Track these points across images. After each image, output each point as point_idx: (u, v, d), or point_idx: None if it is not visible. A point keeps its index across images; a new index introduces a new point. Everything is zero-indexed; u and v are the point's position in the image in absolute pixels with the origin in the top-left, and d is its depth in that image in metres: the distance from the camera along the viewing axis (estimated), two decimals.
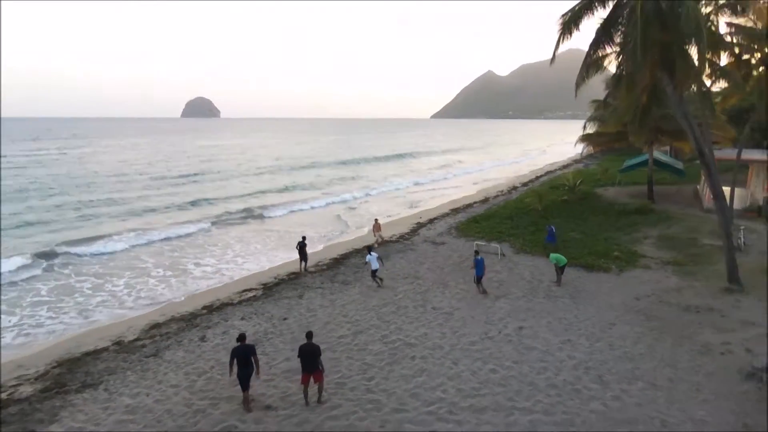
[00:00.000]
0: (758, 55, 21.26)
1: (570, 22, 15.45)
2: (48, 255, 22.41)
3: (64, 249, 23.43)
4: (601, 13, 15.92)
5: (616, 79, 15.39)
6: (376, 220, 25.03)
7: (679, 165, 34.66)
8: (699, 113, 20.68)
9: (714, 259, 18.88)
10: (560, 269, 17.08)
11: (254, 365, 10.14)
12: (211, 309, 16.18)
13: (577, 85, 16.67)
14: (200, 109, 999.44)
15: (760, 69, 21.08)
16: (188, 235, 27.40)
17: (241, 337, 10.40)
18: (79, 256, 22.85)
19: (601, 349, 12.44)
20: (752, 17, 19.33)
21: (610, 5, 15.32)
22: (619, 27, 15.52)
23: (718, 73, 19.15)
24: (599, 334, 13.31)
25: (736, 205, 25.34)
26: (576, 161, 66.73)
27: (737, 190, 25.55)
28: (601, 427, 9.30)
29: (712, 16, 18.05)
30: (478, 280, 16.53)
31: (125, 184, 47.02)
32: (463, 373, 11.34)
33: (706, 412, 9.72)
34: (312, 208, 36.65)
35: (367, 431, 9.25)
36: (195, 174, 54.89)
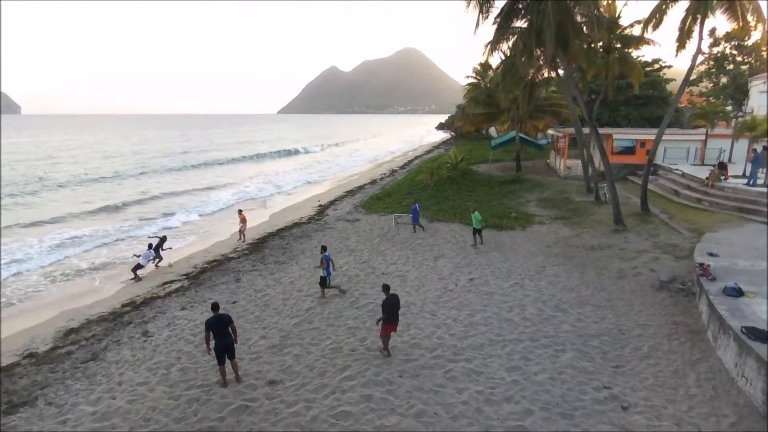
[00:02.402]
0: (601, 42, 25.78)
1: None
2: None
3: None
4: None
5: (520, 54, 17.40)
6: (240, 211, 22.37)
7: (537, 141, 40.18)
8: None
9: (590, 212, 22.58)
10: (478, 230, 18.49)
11: (232, 334, 9.38)
12: (135, 305, 14.02)
13: (490, 53, 18.67)
14: None
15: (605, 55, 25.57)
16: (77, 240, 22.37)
17: (215, 307, 9.56)
18: None
19: (545, 286, 14.13)
20: (602, 9, 23.42)
21: None
22: (521, 11, 17.54)
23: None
24: (537, 275, 15.07)
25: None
26: (436, 147, 72.30)
27: (577, 161, 30.79)
28: (580, 343, 10.69)
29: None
30: (324, 282, 13.80)
31: None
32: (445, 321, 11.89)
33: (645, 318, 11.84)
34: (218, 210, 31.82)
35: (389, 381, 9.20)
36: (41, 179, 43.38)
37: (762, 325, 9.34)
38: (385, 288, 10.30)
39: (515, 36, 18.54)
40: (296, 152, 75.51)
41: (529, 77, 19.59)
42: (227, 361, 9.39)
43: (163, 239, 18.50)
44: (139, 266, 16.74)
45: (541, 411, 8.24)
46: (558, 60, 17.45)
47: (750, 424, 7.81)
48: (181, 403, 8.81)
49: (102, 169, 50.83)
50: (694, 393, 8.72)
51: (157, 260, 17.73)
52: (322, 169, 52.72)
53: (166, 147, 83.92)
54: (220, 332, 9.21)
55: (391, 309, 9.97)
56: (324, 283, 13.77)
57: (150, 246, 17.68)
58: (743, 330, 9.06)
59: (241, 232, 21.22)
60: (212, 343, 9.19)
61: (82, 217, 28.08)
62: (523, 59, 17.45)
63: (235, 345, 9.49)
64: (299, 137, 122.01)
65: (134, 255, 17.65)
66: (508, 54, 22.21)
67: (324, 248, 14.00)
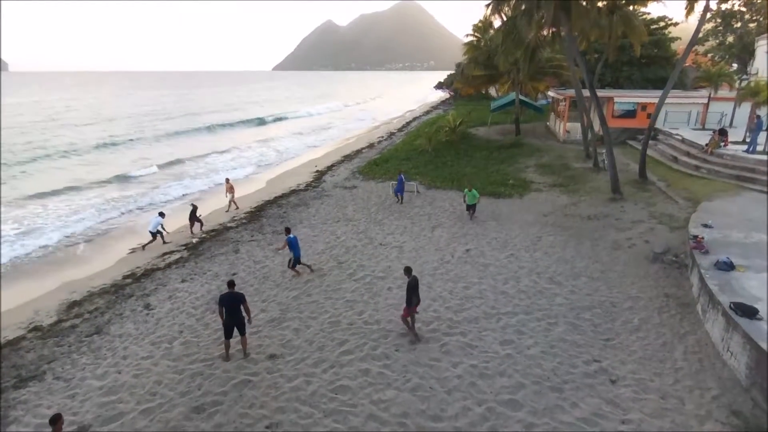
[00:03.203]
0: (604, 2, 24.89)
1: None
2: None
3: None
4: None
5: (528, 17, 16.85)
6: (227, 180, 21.78)
7: (537, 104, 39.55)
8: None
9: (587, 179, 22.55)
10: (472, 207, 17.86)
11: (245, 313, 9.66)
12: (136, 277, 14.20)
13: (491, 14, 18.09)
14: None
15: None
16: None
17: (231, 284, 9.80)
18: None
19: (540, 257, 14.32)
20: None
21: None
22: None
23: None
24: (532, 246, 15.23)
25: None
26: (435, 108, 71.18)
27: (576, 124, 30.41)
28: (572, 316, 10.96)
29: None
30: (296, 262, 13.26)
31: None
32: (441, 294, 12.12)
33: (637, 290, 12.08)
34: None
35: (386, 355, 9.49)
36: (47, 145, 41.42)
37: (750, 300, 9.57)
38: (408, 270, 10.10)
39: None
40: (308, 115, 71.56)
41: (530, 40, 18.95)
42: (237, 337, 9.65)
43: (195, 208, 18.43)
44: (154, 235, 16.70)
45: (532, 385, 8.56)
46: (560, 21, 16.89)
47: (732, 396, 8.15)
48: (185, 377, 9.11)
49: (107, 133, 49.00)
50: (680, 366, 9.04)
51: (199, 226, 18.39)
52: (331, 130, 51.94)
53: (169, 108, 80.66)
54: (232, 309, 9.45)
55: (415, 290, 9.85)
56: (297, 263, 13.28)
57: (161, 214, 17.29)
58: (731, 306, 9.28)
59: (232, 201, 21.03)
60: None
61: (92, 186, 27.04)
62: (524, 21, 16.88)
63: (247, 324, 9.75)
64: (302, 96, 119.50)
65: (156, 216, 17.28)
66: (510, 14, 21.52)
67: (288, 230, 13.38)
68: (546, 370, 8.97)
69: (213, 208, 22.04)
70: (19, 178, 29.24)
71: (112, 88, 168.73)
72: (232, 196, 21.07)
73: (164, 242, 17.00)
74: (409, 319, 10.12)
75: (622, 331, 10.34)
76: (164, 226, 17.05)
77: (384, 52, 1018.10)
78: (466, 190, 18.06)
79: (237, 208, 21.02)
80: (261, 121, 62.04)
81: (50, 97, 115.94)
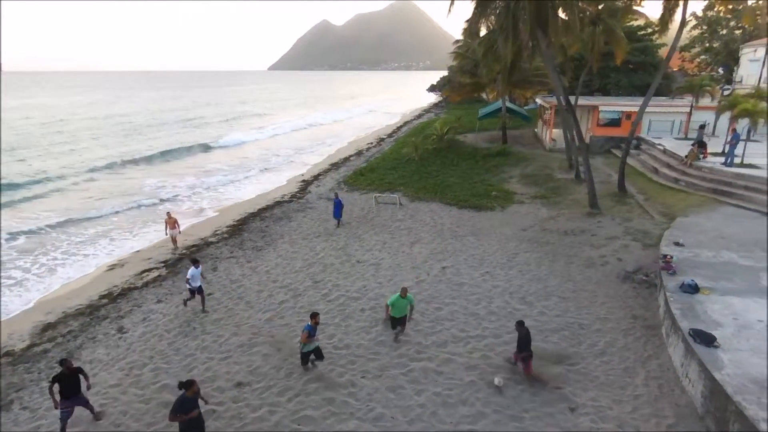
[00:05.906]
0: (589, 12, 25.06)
1: None
2: None
3: None
4: None
5: (504, 35, 17.01)
6: (168, 214, 18.42)
7: (524, 111, 39.77)
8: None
9: (569, 190, 22.73)
10: (399, 320, 11.00)
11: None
12: (112, 297, 14.24)
13: (472, 35, 18.12)
14: None
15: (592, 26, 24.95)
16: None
17: (188, 384, 7.48)
18: None
19: (514, 275, 14.46)
20: None
21: None
22: None
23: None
24: (508, 263, 15.37)
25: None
26: (427, 111, 71.36)
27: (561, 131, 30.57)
28: (540, 339, 11.05)
29: None
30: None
31: None
32: (413, 316, 12.16)
33: (606, 311, 12.24)
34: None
35: (351, 383, 9.60)
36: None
37: (711, 325, 9.75)
38: (520, 323, 9.79)
39: (496, 12, 18.02)
40: (348, 117, 70.49)
41: (508, 54, 19.04)
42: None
43: None
44: (193, 292, 12.87)
45: (493, 414, 8.69)
46: (537, 37, 17.00)
47: (687, 424, 8.30)
48: (151, 407, 9.17)
49: (130, 147, 44.31)
50: (640, 393, 9.19)
51: None
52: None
53: (186, 115, 75.23)
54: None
55: (528, 342, 9.59)
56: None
57: (195, 261, 13.05)
58: (690, 332, 9.44)
59: (173, 239, 18.14)
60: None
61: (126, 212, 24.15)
62: (502, 40, 17.04)
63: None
64: (322, 97, 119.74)
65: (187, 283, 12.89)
66: (491, 28, 21.64)
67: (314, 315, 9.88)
68: (507, 397, 9.10)
69: (194, 220, 22.08)
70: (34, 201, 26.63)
71: (115, 90, 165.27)
72: (174, 233, 18.04)
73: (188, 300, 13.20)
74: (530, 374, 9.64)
75: (587, 354, 10.48)
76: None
77: (380, 51, 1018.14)
78: (392, 297, 10.88)
79: (176, 247, 18.16)
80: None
81: (62, 100, 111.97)
